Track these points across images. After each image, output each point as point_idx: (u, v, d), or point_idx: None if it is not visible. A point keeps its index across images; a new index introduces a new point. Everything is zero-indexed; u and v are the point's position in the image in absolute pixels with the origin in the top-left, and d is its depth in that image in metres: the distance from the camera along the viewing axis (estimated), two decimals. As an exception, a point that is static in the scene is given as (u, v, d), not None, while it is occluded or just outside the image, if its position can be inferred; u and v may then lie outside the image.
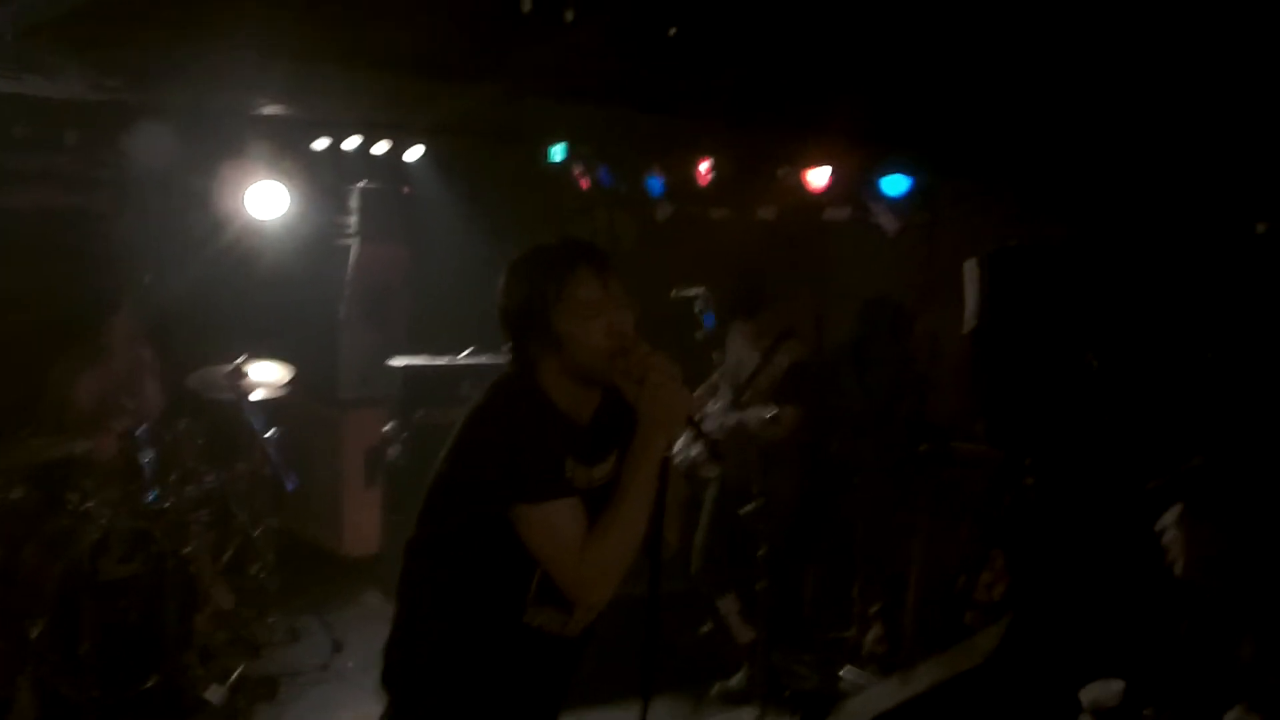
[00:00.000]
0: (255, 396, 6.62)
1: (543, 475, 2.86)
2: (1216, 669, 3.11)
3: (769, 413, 6.18)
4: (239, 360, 6.58)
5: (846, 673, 6.65)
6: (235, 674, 5.96)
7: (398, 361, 7.27)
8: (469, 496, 2.92)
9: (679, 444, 5.65)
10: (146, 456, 5.96)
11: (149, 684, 5.62)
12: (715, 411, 6.62)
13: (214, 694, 5.76)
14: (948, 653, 5.71)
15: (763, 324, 6.59)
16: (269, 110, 7.08)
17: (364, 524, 7.90)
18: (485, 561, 2.94)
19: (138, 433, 5.98)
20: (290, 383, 6.85)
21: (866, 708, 5.38)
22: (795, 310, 7.21)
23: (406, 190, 8.53)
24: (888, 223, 7.35)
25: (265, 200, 7.58)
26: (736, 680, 6.55)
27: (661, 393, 2.88)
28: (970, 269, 6.81)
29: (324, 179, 8.18)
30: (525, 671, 3.05)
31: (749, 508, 6.22)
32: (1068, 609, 5.46)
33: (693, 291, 6.50)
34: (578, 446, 2.99)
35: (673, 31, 4.92)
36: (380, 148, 8.01)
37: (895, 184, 7.17)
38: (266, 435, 6.56)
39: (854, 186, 7.40)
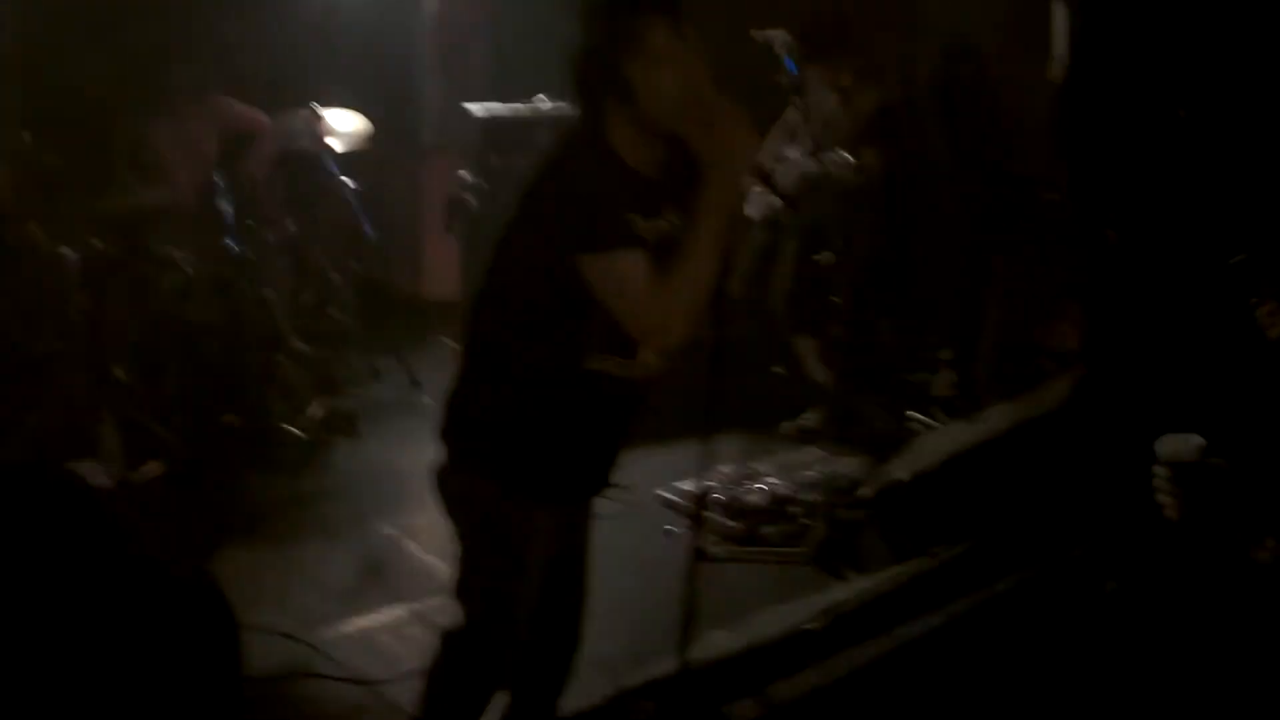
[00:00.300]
0: (332, 143, 6.64)
1: (610, 225, 2.86)
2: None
3: (851, 159, 6.11)
4: (316, 106, 6.57)
5: (914, 416, 6.73)
6: (315, 409, 6.15)
7: (476, 108, 7.22)
8: (536, 246, 2.95)
9: (755, 194, 5.64)
10: (226, 203, 6.04)
11: (231, 419, 5.82)
12: (795, 158, 6.54)
13: (294, 428, 5.95)
14: (1019, 399, 5.76)
15: (841, 66, 6.45)
16: None
17: (442, 268, 7.99)
18: (548, 309, 2.97)
19: (216, 180, 6.04)
20: (367, 132, 6.86)
21: (937, 448, 5.47)
22: (876, 52, 7.05)
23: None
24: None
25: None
26: (807, 419, 6.65)
27: (727, 140, 2.87)
28: (1060, 12, 6.61)
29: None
30: (585, 417, 3.10)
31: (827, 258, 6.22)
32: (1143, 363, 5.45)
33: (773, 34, 6.36)
34: (644, 200, 2.98)
35: None
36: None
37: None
38: (345, 182, 6.60)
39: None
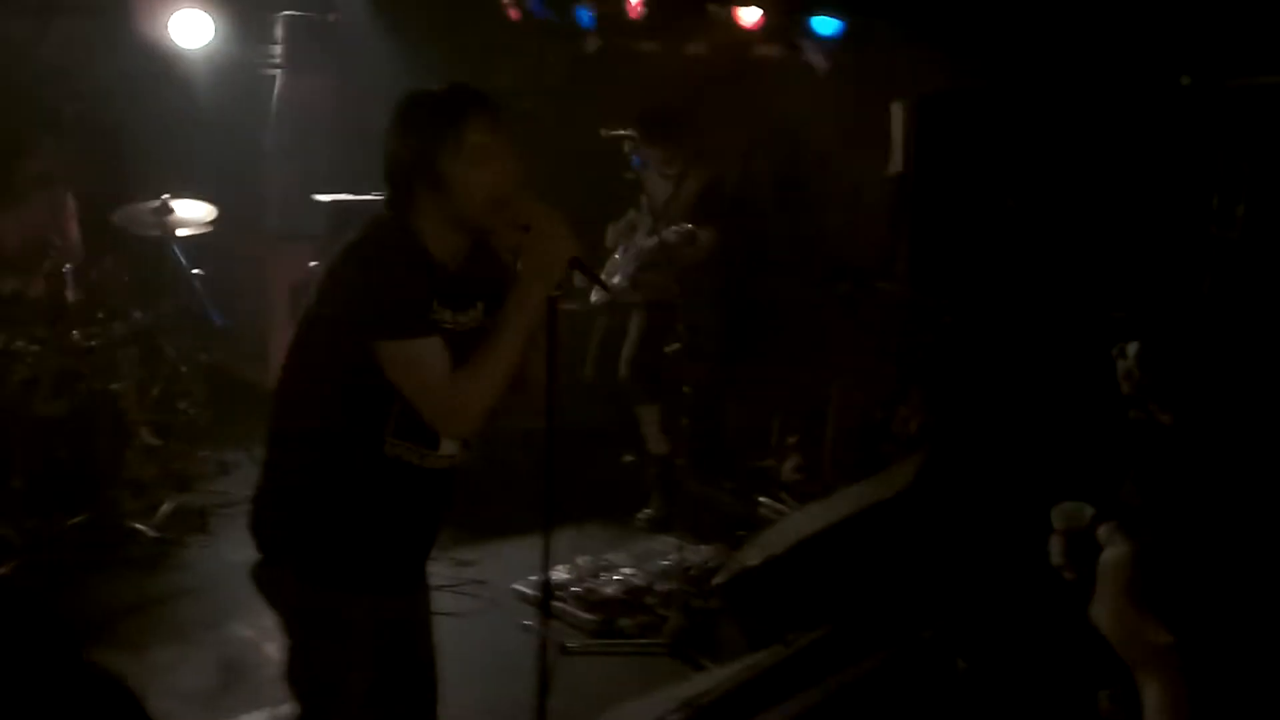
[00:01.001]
0: (181, 233, 6.59)
1: (408, 312, 2.92)
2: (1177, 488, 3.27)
3: (688, 227, 6.25)
4: (164, 196, 6.52)
5: (764, 501, 6.86)
6: (166, 507, 6.06)
7: (324, 197, 7.22)
8: (334, 330, 2.96)
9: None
10: (72, 294, 5.94)
11: (81, 517, 5.71)
12: (635, 242, 6.68)
13: (145, 526, 5.84)
14: (866, 482, 5.91)
15: (672, 149, 6.64)
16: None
17: (290, 359, 7.90)
18: (346, 395, 3.00)
19: (64, 271, 5.95)
20: (215, 219, 6.81)
21: (789, 533, 5.57)
22: (715, 140, 7.25)
23: (333, 18, 8.37)
24: (817, 62, 7.36)
25: (189, 28, 7.45)
26: (654, 507, 6.72)
27: (542, 242, 2.96)
28: (896, 112, 6.87)
29: (249, 7, 8.03)
30: (388, 505, 3.10)
31: (672, 347, 6.34)
32: (985, 441, 5.66)
33: (622, 132, 6.51)
34: (446, 291, 3.05)
35: None
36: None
37: (826, 24, 7.17)
38: (193, 272, 6.54)
39: (785, 24, 7.37)
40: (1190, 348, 3.50)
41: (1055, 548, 3.12)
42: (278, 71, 8.18)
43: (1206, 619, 2.26)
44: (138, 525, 5.85)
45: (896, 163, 6.76)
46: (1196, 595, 2.29)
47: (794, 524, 5.85)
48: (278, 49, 8.17)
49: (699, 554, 6.06)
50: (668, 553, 6.06)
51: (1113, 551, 2.41)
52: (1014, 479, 4.81)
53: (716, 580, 5.53)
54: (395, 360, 2.92)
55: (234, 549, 5.92)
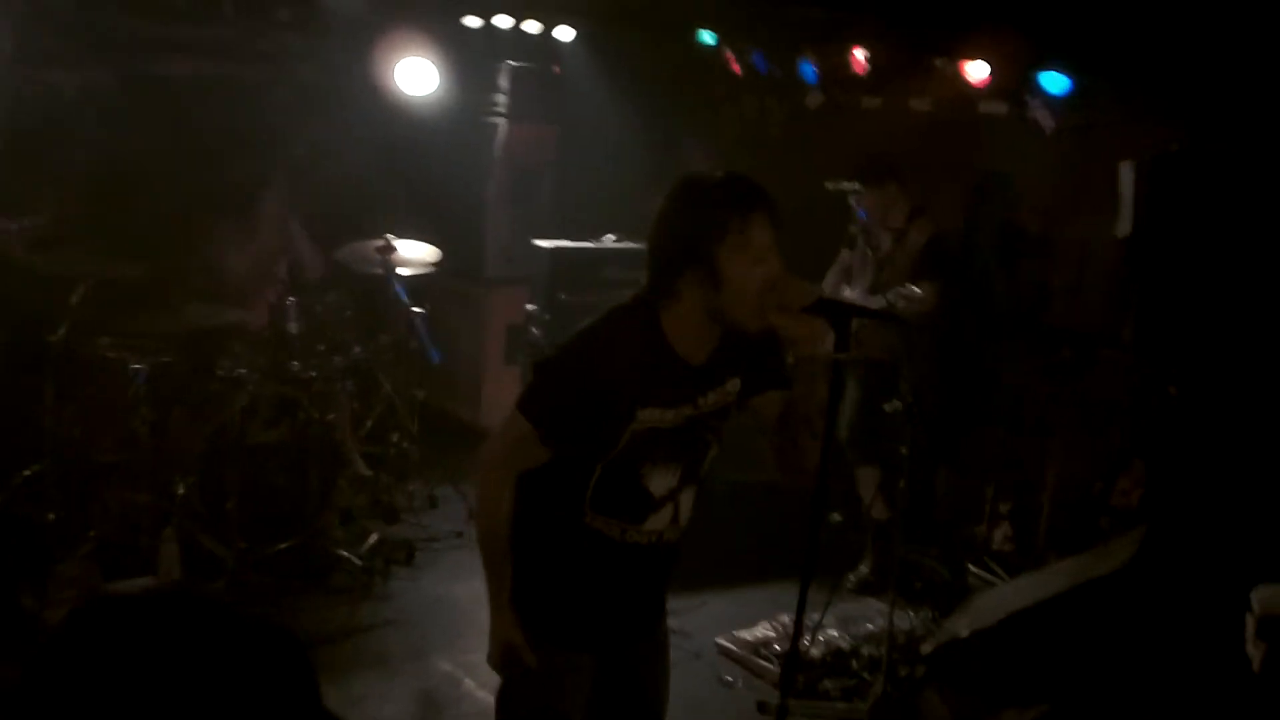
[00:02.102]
0: (403, 271, 6.72)
1: (545, 396, 3.01)
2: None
3: (909, 290, 6.13)
4: (387, 236, 6.66)
5: (974, 569, 6.65)
6: (373, 537, 6.14)
7: (544, 243, 7.31)
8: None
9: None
10: (295, 326, 6.09)
11: (291, 542, 5.82)
12: (854, 296, 6.56)
13: (352, 555, 5.93)
14: (1082, 556, 5.68)
15: (888, 194, 6.53)
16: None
17: (502, 399, 7.96)
18: (547, 465, 3.03)
19: (288, 303, 6.11)
20: (437, 261, 6.94)
21: (1000, 605, 5.39)
22: (939, 195, 7.12)
23: (556, 70, 8.53)
24: (1044, 120, 7.16)
25: (415, 76, 7.66)
26: (864, 570, 6.57)
27: (809, 328, 2.96)
28: (1126, 172, 6.65)
29: (475, 56, 8.23)
30: (591, 574, 3.13)
31: (892, 406, 6.19)
32: (1208, 519, 5.38)
33: (847, 185, 6.44)
34: (678, 384, 3.03)
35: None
36: (531, 27, 8.01)
37: (1055, 81, 6.98)
38: (414, 309, 6.65)
39: (1012, 82, 7.21)
40: None
41: (1249, 631, 2.90)
42: (501, 120, 8.32)
43: None
44: (345, 553, 5.93)
45: (1125, 225, 6.52)
46: None
47: (1005, 595, 5.67)
48: (502, 98, 8.32)
49: (906, 620, 5.87)
50: (874, 617, 5.89)
51: None
52: (1236, 559, 4.56)
53: (923, 649, 5.37)
54: (510, 417, 3.04)
55: (437, 583, 6.01)
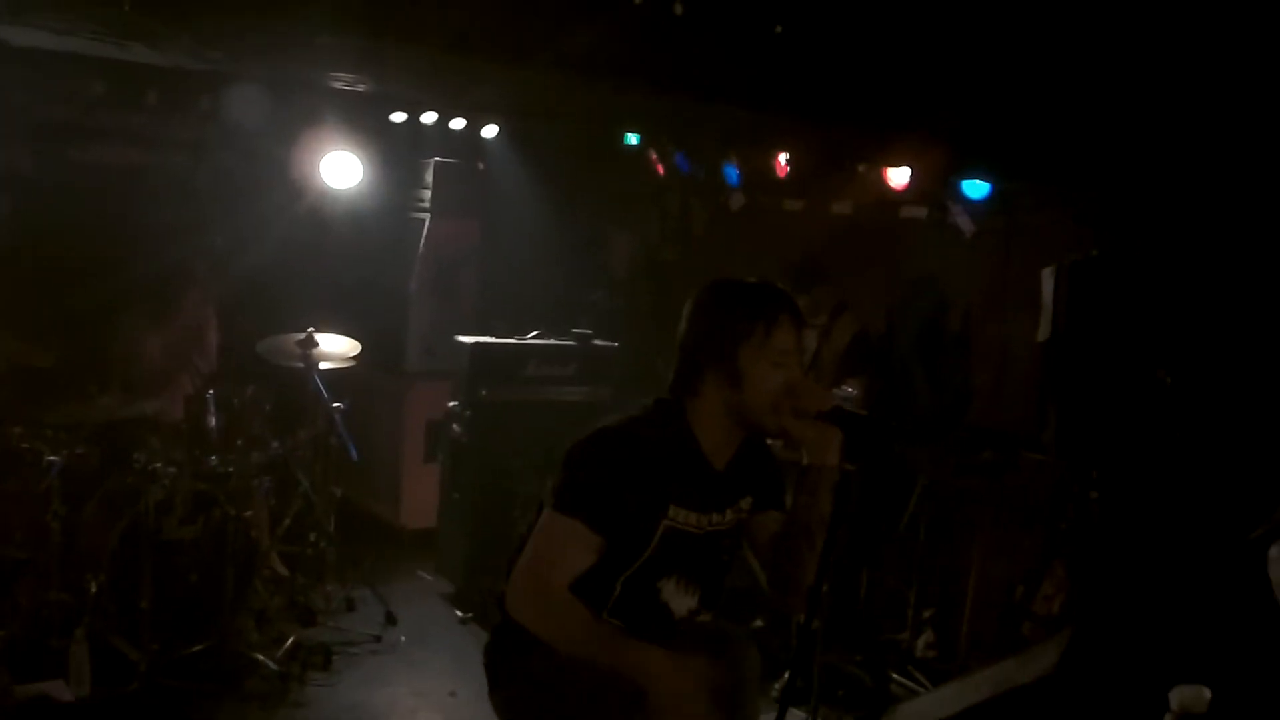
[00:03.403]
0: (323, 366, 6.62)
1: (583, 493, 2.97)
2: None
3: (843, 390, 6.18)
4: (309, 329, 6.57)
5: (897, 677, 6.61)
6: (290, 640, 5.97)
7: (466, 338, 7.25)
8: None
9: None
10: (213, 420, 5.96)
11: (205, 644, 5.66)
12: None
13: (267, 659, 5.76)
14: (1005, 663, 5.66)
15: (817, 298, 6.60)
16: (346, 85, 7.09)
17: (422, 498, 7.91)
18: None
19: (206, 396, 5.99)
20: (357, 355, 6.85)
21: (922, 714, 5.34)
22: (859, 295, 7.19)
23: (481, 166, 8.53)
24: (965, 225, 7.27)
25: (340, 170, 7.65)
26: (789, 679, 6.49)
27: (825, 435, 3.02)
28: (1047, 276, 6.73)
29: (399, 152, 8.23)
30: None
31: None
32: (1132, 625, 5.39)
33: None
34: (705, 490, 3.09)
35: (779, 29, 4.91)
36: (457, 123, 8.01)
37: (976, 187, 7.10)
38: (334, 405, 6.55)
39: (934, 187, 7.32)
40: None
41: None
42: (425, 215, 8.29)
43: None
44: (260, 657, 5.76)
45: (1045, 329, 6.60)
46: None
47: (927, 705, 5.62)
48: (426, 193, 8.30)
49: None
50: (800, 730, 5.83)
51: None
52: (1156, 661, 4.57)
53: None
54: (542, 521, 3.00)
55: (354, 689, 5.86)
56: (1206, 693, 2.95)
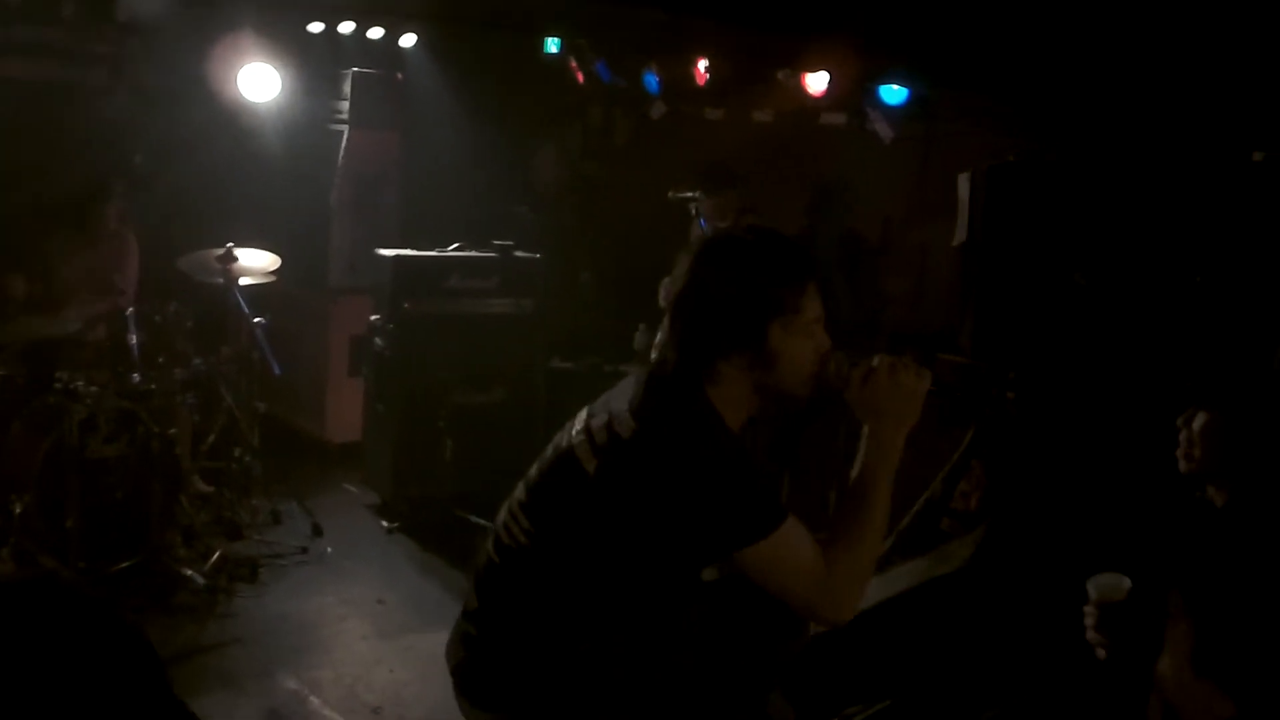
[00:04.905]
0: (245, 281, 6.58)
1: (767, 501, 2.59)
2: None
3: None
4: (228, 245, 6.53)
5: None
6: (216, 554, 6.00)
7: (387, 252, 7.23)
8: (673, 543, 2.62)
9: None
10: (135, 338, 5.93)
11: (132, 561, 5.68)
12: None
13: (195, 573, 5.80)
14: (925, 558, 5.80)
15: (726, 200, 6.65)
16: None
17: (347, 412, 7.94)
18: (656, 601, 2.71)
19: (127, 314, 5.96)
20: (279, 270, 6.82)
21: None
22: (777, 200, 7.23)
23: (400, 77, 8.46)
24: (883, 131, 7.32)
25: (258, 83, 7.54)
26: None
27: (896, 385, 2.72)
28: (964, 182, 6.81)
29: (318, 63, 8.13)
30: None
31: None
32: (1046, 520, 5.54)
33: (689, 194, 6.49)
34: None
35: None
36: (375, 33, 7.94)
37: (894, 93, 7.14)
38: (255, 320, 6.53)
39: (852, 93, 7.35)
40: (1256, 425, 3.37)
41: (1088, 620, 2.95)
42: (344, 127, 8.22)
43: (1266, 691, 2.22)
44: (188, 572, 5.80)
45: (961, 233, 6.68)
46: (1256, 668, 2.25)
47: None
48: (345, 105, 8.22)
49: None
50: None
51: (1176, 625, 2.36)
52: (1072, 557, 4.70)
53: (766, 654, 5.42)
54: (764, 559, 2.56)
55: (282, 600, 5.92)
56: (1126, 581, 2.89)
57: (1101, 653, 2.94)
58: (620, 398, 2.74)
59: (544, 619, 2.73)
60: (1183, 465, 3.36)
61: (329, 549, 6.52)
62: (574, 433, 2.77)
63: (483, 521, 5.62)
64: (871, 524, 2.68)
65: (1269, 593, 2.79)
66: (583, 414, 2.81)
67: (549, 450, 2.82)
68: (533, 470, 2.84)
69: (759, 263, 2.67)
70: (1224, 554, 3.13)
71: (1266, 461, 3.17)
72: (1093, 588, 2.96)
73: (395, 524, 6.89)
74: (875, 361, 2.72)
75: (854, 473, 2.81)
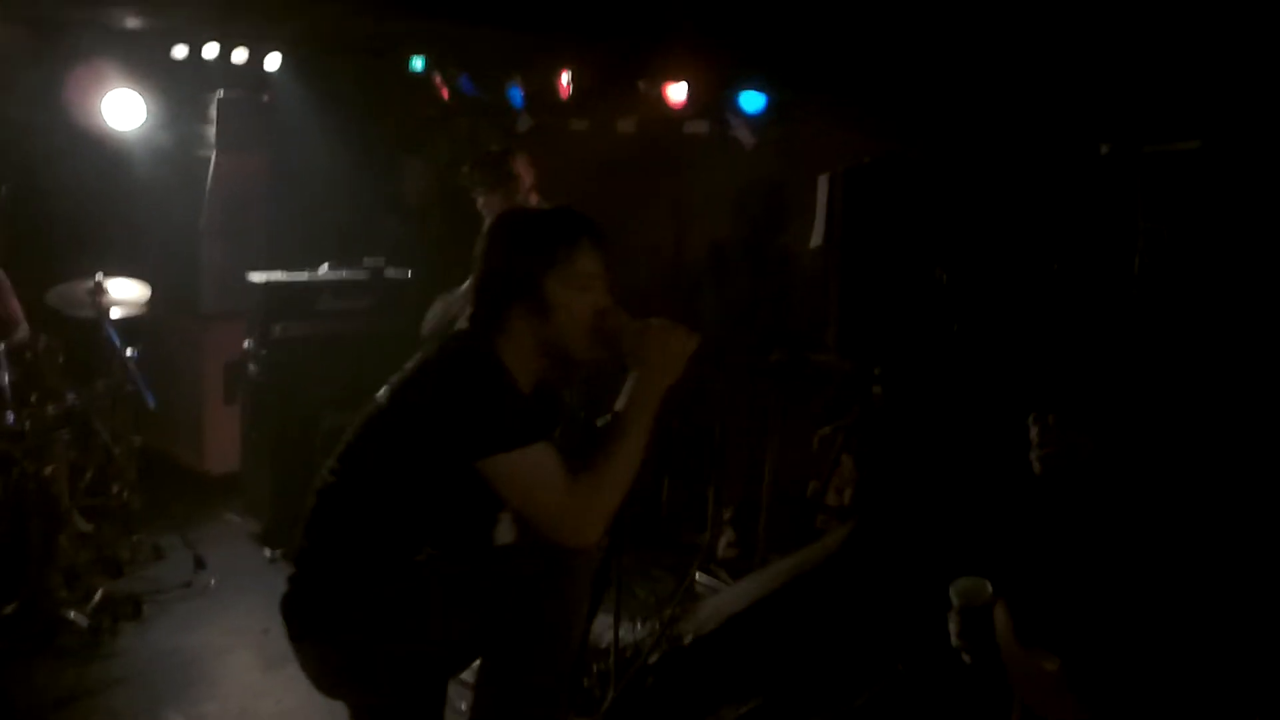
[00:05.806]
0: (116, 313, 6.56)
1: (520, 420, 2.95)
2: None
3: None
4: (98, 276, 6.51)
5: (700, 577, 6.88)
6: (99, 594, 5.98)
7: (257, 276, 7.23)
8: (436, 452, 2.99)
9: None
10: (5, 376, 5.87)
11: (12, 606, 5.65)
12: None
13: (78, 614, 5.80)
14: (799, 553, 5.95)
15: (511, 195, 6.55)
16: (129, 23, 6.97)
17: (224, 441, 7.90)
18: (443, 510, 3.07)
19: (-1, 352, 5.92)
20: (150, 299, 6.80)
21: (720, 609, 5.61)
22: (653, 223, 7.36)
23: (267, 99, 8.45)
24: (744, 137, 7.47)
25: (123, 110, 7.49)
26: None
27: (663, 339, 3.08)
28: (822, 184, 6.97)
29: (183, 88, 8.09)
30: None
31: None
32: (912, 512, 5.72)
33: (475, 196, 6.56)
34: (536, 418, 3.10)
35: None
36: (239, 56, 7.93)
37: (752, 100, 7.28)
38: (127, 352, 6.51)
39: (712, 101, 7.49)
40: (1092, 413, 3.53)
41: (951, 627, 3.07)
42: (212, 151, 8.19)
43: (1085, 640, 2.32)
44: (71, 614, 5.78)
45: (818, 236, 6.84)
46: (1071, 624, 2.36)
47: (726, 600, 5.89)
48: (211, 129, 8.19)
49: (635, 633, 6.04)
50: (604, 632, 6.03)
51: (999, 613, 2.49)
52: (939, 549, 4.87)
53: (650, 660, 5.54)
54: (511, 471, 2.94)
55: (167, 635, 5.93)
56: (988, 586, 2.97)
57: (967, 658, 3.05)
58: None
59: (348, 539, 3.14)
60: (1036, 467, 3.54)
61: (213, 581, 6.52)
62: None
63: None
64: (619, 456, 3.03)
65: (1080, 551, 2.93)
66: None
67: None
68: None
69: (535, 223, 3.16)
70: (1038, 523, 3.32)
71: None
72: (954, 594, 3.06)
73: (278, 551, 6.90)
74: (653, 321, 3.10)
75: (616, 408, 3.14)
